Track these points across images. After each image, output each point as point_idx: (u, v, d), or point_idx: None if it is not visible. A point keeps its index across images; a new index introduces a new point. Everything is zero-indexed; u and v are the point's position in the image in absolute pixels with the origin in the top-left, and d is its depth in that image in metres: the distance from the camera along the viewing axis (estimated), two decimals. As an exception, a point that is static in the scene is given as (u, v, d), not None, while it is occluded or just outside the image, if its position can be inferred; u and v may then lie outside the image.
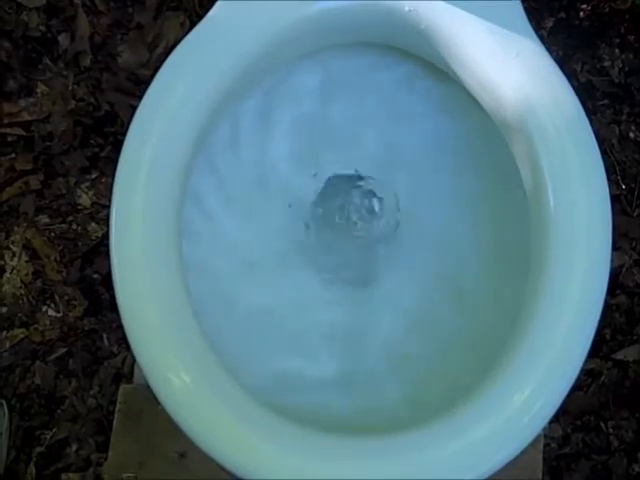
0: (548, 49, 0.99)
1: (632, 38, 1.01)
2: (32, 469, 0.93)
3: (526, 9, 0.97)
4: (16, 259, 0.98)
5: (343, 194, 0.69)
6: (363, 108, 0.73)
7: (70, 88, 1.02)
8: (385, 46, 0.70)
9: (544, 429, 0.86)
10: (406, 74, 0.73)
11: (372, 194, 0.68)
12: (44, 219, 0.99)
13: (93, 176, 1.00)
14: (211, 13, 0.62)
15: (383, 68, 0.73)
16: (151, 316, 0.56)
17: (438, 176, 0.73)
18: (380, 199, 0.68)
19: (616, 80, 1.00)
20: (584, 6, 1.01)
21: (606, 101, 1.00)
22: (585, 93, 1.00)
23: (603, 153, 0.96)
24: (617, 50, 1.01)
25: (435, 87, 0.72)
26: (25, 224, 0.99)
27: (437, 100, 0.73)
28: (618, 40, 1.01)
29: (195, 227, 0.70)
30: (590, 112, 0.99)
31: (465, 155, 0.72)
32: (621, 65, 1.01)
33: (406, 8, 0.61)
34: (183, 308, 0.57)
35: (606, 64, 1.01)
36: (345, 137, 0.73)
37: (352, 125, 0.73)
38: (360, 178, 0.69)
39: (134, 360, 0.93)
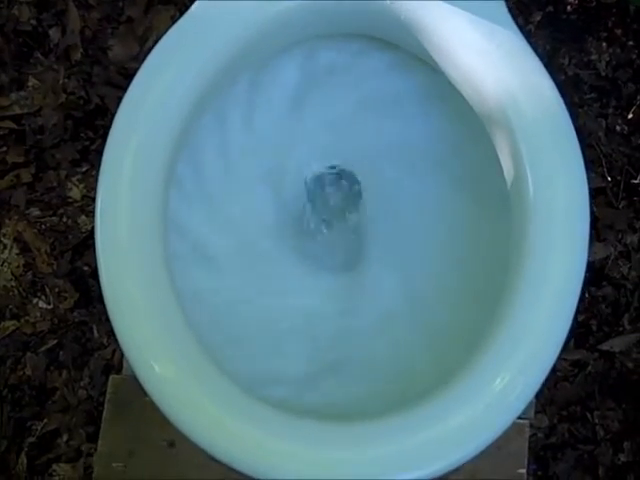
0: (536, 43, 1.01)
1: (619, 32, 1.02)
2: (23, 459, 0.93)
3: (513, 3, 1.00)
4: (7, 251, 0.99)
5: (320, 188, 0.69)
6: (347, 98, 0.74)
7: (61, 82, 1.02)
8: (368, 36, 0.70)
9: (530, 419, 0.86)
10: (390, 63, 0.73)
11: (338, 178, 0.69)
12: (35, 212, 1.00)
13: (84, 169, 1.00)
14: (193, 7, 0.62)
15: (367, 57, 0.73)
16: (136, 305, 0.57)
17: (422, 165, 0.73)
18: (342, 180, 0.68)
19: (603, 74, 1.01)
20: (572, 0, 1.02)
21: (593, 95, 1.01)
22: (572, 87, 1.00)
23: (589, 146, 0.98)
24: (604, 44, 1.02)
25: (420, 76, 0.73)
26: (16, 217, 0.99)
27: (421, 89, 0.74)
28: (605, 34, 1.02)
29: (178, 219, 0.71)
30: (577, 105, 0.99)
31: (450, 144, 0.73)
32: (608, 59, 1.01)
33: (387, 1, 0.62)
34: (168, 298, 0.58)
35: (593, 58, 1.02)
36: (329, 127, 0.74)
37: (335, 116, 0.74)
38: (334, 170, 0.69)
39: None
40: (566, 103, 0.60)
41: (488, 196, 0.69)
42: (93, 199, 0.98)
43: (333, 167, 0.68)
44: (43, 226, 0.99)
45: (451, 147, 0.73)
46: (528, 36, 0.98)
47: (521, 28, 0.96)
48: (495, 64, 0.60)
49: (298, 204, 0.71)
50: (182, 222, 0.71)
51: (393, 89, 0.73)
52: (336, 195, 0.67)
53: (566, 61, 1.01)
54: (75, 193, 1.00)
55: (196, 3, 0.62)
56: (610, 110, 1.00)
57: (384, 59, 0.72)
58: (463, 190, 0.72)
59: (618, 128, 1.00)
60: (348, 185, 0.67)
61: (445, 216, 0.73)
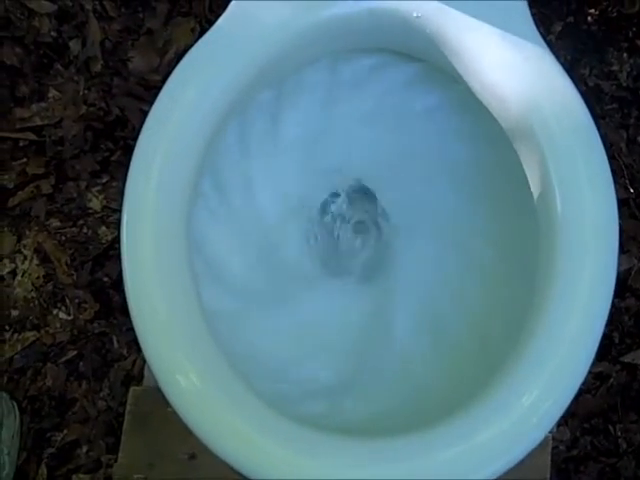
0: (556, 54, 0.99)
1: (640, 42, 1.01)
2: (43, 470, 0.93)
3: (535, 14, 0.99)
4: (27, 262, 0.99)
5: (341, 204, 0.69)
6: (369, 111, 0.74)
7: (81, 93, 1.02)
8: (391, 50, 0.70)
9: (552, 431, 0.86)
10: (413, 77, 0.73)
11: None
12: (55, 223, 1.00)
13: (104, 180, 1.01)
14: (221, 20, 0.62)
15: (391, 70, 0.73)
16: (161, 318, 0.57)
17: (442, 177, 0.73)
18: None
19: (624, 84, 1.00)
20: (592, 11, 1.02)
21: (614, 105, 1.00)
22: (593, 97, 1.00)
23: (611, 157, 0.98)
24: (625, 54, 1.01)
25: (443, 90, 0.73)
26: (36, 228, 1.00)
27: (445, 100, 0.73)
28: (626, 44, 1.01)
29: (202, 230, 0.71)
30: (598, 116, 0.99)
31: (472, 157, 0.73)
32: (629, 69, 1.01)
33: (414, 14, 0.62)
34: (193, 310, 0.58)
35: (614, 68, 1.01)
36: (354, 141, 0.74)
37: (357, 128, 0.74)
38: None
39: (144, 362, 0.93)
40: (587, 114, 0.60)
41: (506, 209, 0.69)
42: (113, 210, 0.99)
43: (355, 183, 0.68)
44: (63, 237, 1.00)
45: (471, 163, 0.72)
46: (549, 47, 0.99)
47: (542, 38, 0.98)
48: (522, 77, 0.59)
49: (318, 214, 0.71)
50: (203, 239, 0.70)
51: (417, 103, 0.73)
52: (357, 210, 0.67)
53: (587, 72, 1.01)
54: (95, 204, 1.00)
55: (224, 15, 0.62)
56: (632, 121, 1.00)
57: (408, 72, 0.72)
58: (492, 199, 0.72)
59: (640, 139, 0.99)
60: (368, 201, 0.67)
61: (463, 229, 0.73)
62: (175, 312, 0.57)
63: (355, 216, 0.73)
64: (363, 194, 0.73)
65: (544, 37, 0.98)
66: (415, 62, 0.71)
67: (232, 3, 0.63)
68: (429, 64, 0.70)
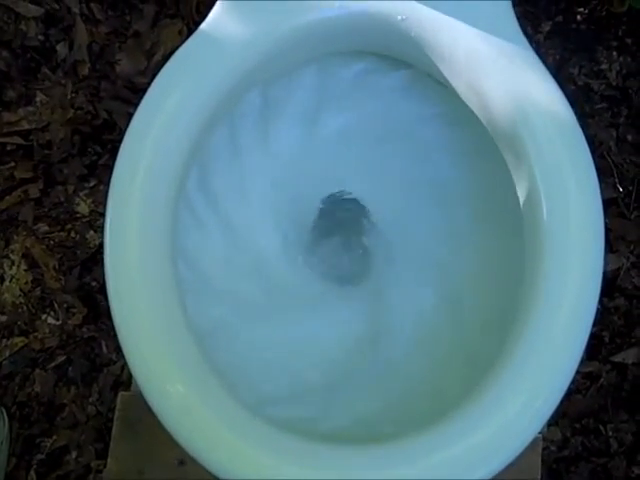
0: (545, 53, 1.00)
1: (630, 41, 1.01)
2: (33, 477, 0.93)
3: (523, 13, 0.99)
4: (15, 267, 0.99)
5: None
6: (358, 115, 0.74)
7: (69, 97, 1.02)
8: (378, 55, 0.70)
9: (542, 432, 0.86)
10: (403, 80, 0.73)
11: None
12: (43, 227, 1.00)
13: (91, 184, 1.00)
14: (204, 24, 0.62)
15: (380, 74, 0.73)
16: (145, 327, 0.56)
17: (433, 184, 0.73)
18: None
19: (614, 83, 1.00)
20: (581, 10, 1.01)
21: (604, 104, 1.00)
22: (583, 96, 1.00)
23: (600, 156, 0.98)
24: (615, 53, 1.01)
25: (432, 94, 0.73)
26: (24, 233, 0.99)
27: (434, 107, 0.73)
28: (616, 43, 1.01)
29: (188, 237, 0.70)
30: (588, 115, 0.99)
31: (463, 162, 0.73)
32: (619, 68, 1.01)
33: (398, 17, 0.62)
34: (177, 319, 0.57)
35: (604, 67, 1.01)
36: (340, 145, 0.74)
37: (346, 133, 0.74)
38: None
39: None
40: (576, 113, 0.59)
41: (493, 218, 0.69)
42: (101, 214, 0.99)
43: (340, 192, 0.68)
44: (51, 242, 0.99)
45: (463, 169, 0.72)
46: (537, 46, 0.99)
47: (530, 38, 0.97)
48: (505, 80, 0.59)
49: (309, 223, 0.71)
50: (190, 247, 0.70)
51: (406, 110, 0.73)
52: (343, 218, 0.67)
53: (576, 71, 1.00)
54: (83, 208, 1.00)
55: (207, 19, 0.62)
56: (621, 120, 0.99)
57: (398, 78, 0.72)
58: (468, 206, 0.72)
59: (629, 138, 0.99)
60: (354, 209, 0.67)
61: (448, 236, 0.73)
62: (159, 322, 0.57)
63: (341, 224, 0.73)
64: (350, 200, 0.73)
65: (532, 37, 0.99)
66: (402, 69, 0.71)
67: (217, 4, 0.63)
68: (416, 70, 0.69)
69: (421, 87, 0.72)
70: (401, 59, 0.68)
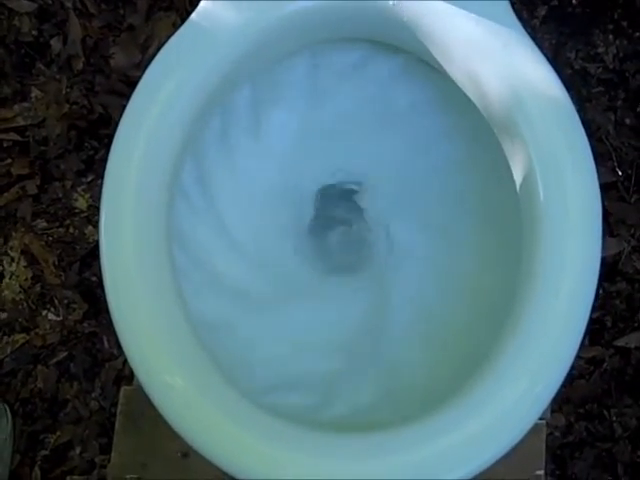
0: (541, 38, 1.00)
1: (625, 24, 1.00)
2: (37, 473, 0.93)
3: (518, -1, 0.99)
4: (15, 264, 0.99)
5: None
6: (353, 104, 0.73)
7: (64, 92, 1.02)
8: (372, 41, 0.69)
9: (546, 418, 0.85)
10: (397, 68, 0.72)
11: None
12: (41, 223, 0.99)
13: (89, 179, 1.00)
14: (195, 13, 0.62)
15: (374, 62, 0.73)
16: (143, 319, 0.56)
17: (429, 171, 0.72)
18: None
19: (611, 66, 1.00)
20: (576, -7, 1.01)
21: (601, 88, 0.99)
22: (580, 80, 0.99)
23: (599, 140, 0.97)
24: (611, 36, 1.01)
25: (427, 81, 0.72)
26: (23, 229, 0.99)
27: (429, 94, 0.73)
28: (612, 26, 1.01)
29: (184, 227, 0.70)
30: (585, 99, 0.98)
31: (460, 150, 0.72)
32: (615, 51, 1.00)
33: (390, 2, 0.61)
34: (176, 312, 0.57)
35: (600, 50, 1.00)
36: (336, 134, 0.73)
37: (342, 122, 0.73)
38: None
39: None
40: (573, 97, 0.59)
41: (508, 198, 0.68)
42: (99, 209, 0.98)
43: (339, 178, 0.68)
44: (50, 238, 0.99)
45: (459, 159, 0.72)
46: (533, 31, 0.98)
47: (526, 23, 0.97)
48: (500, 64, 0.59)
49: (307, 212, 0.71)
50: (188, 236, 0.70)
51: (401, 97, 0.73)
52: (342, 205, 0.67)
53: (572, 55, 1.00)
54: (81, 203, 1.00)
55: (197, 10, 0.62)
56: (619, 103, 0.99)
57: (393, 65, 0.72)
58: (481, 194, 0.72)
59: (627, 121, 0.98)
60: (354, 196, 0.67)
61: (450, 221, 0.73)
62: (157, 313, 0.56)
63: (341, 211, 0.73)
64: (346, 189, 0.73)
65: (528, 22, 0.99)
66: (396, 56, 0.71)
67: (205, -4, 0.62)
68: (411, 57, 0.69)
69: (416, 74, 0.72)
70: (395, 45, 0.68)
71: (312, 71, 0.72)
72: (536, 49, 0.59)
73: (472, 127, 0.69)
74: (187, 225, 0.70)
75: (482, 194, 0.71)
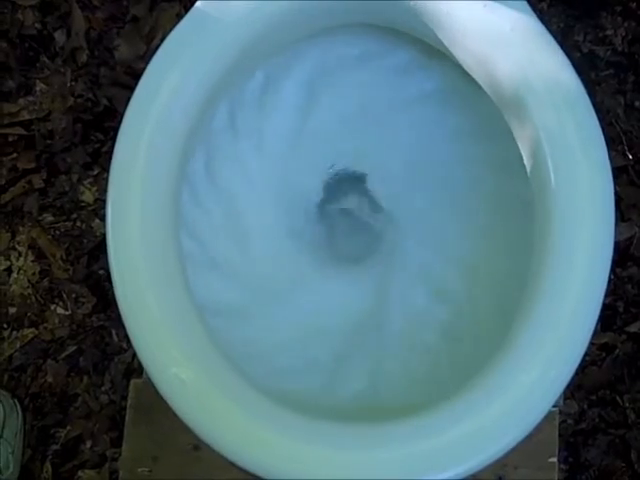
0: (549, 21, 0.99)
1: (634, 5, 0.99)
2: (48, 467, 0.93)
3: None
4: (22, 259, 0.98)
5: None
6: (357, 97, 0.73)
7: (68, 85, 1.01)
8: (379, 30, 0.69)
9: (559, 405, 0.85)
10: (403, 62, 0.72)
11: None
12: (48, 217, 0.99)
13: (95, 172, 1.00)
14: (198, 2, 0.61)
15: (378, 56, 0.72)
16: (151, 312, 0.56)
17: (434, 165, 0.72)
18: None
19: (619, 49, 0.99)
20: (584, -25, 1.00)
21: (610, 71, 0.98)
22: (588, 63, 0.98)
23: (609, 124, 0.96)
24: (619, 18, 0.99)
25: (433, 74, 0.72)
26: (30, 223, 0.99)
27: (435, 88, 0.72)
28: (620, 8, 0.99)
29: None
30: (594, 82, 0.97)
31: (465, 143, 0.72)
32: (624, 33, 0.99)
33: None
34: (184, 303, 0.57)
35: (609, 33, 0.99)
36: (341, 126, 0.73)
37: (347, 115, 0.73)
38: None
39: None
40: (583, 81, 0.58)
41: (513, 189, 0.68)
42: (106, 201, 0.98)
43: (344, 169, 0.67)
44: (57, 232, 0.99)
45: (466, 149, 0.72)
46: (541, 14, 0.97)
47: (534, 6, 0.95)
48: (509, 48, 0.58)
49: (312, 203, 0.70)
50: (194, 226, 0.70)
51: (411, 89, 0.72)
52: (347, 195, 0.67)
53: (581, 38, 0.99)
54: (88, 197, 0.99)
55: (199, 1, 0.61)
56: (628, 86, 0.98)
57: (399, 58, 0.72)
58: (484, 187, 0.71)
59: (637, 104, 0.97)
60: (359, 186, 0.67)
61: (461, 214, 0.72)
62: (165, 304, 0.56)
63: (346, 201, 0.72)
64: (353, 179, 0.73)
65: (536, 5, 0.98)
66: (402, 50, 0.70)
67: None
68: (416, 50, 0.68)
69: (422, 67, 0.71)
70: (400, 29, 0.67)
71: (318, 60, 0.71)
72: (546, 31, 0.58)
73: (478, 121, 0.69)
74: (197, 216, 0.70)
75: (494, 183, 0.70)
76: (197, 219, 0.70)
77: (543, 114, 0.56)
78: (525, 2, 0.59)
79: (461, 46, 0.61)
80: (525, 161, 0.59)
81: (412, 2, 0.60)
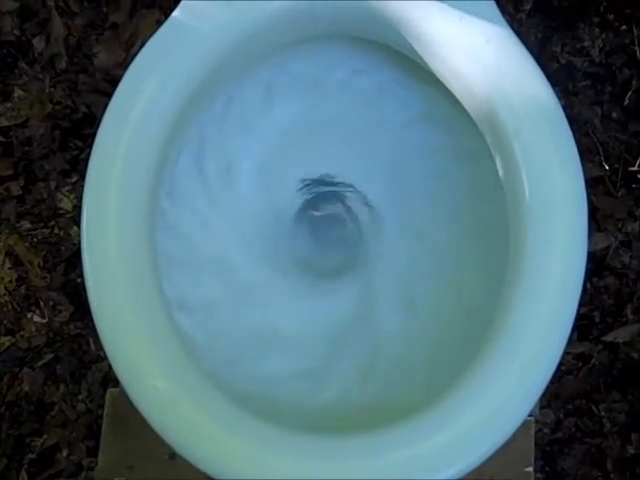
0: (527, 32, 0.99)
1: (612, 17, 1.00)
2: (24, 476, 0.93)
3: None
4: (-1, 266, 0.98)
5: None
6: (337, 115, 0.73)
7: (47, 91, 1.01)
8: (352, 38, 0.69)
9: (535, 414, 0.85)
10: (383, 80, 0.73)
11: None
12: (26, 225, 0.99)
13: (74, 179, 0.99)
14: (177, 10, 0.61)
15: (363, 74, 0.73)
16: (126, 321, 0.56)
17: (417, 179, 0.73)
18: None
19: (597, 60, 0.99)
20: (562, -14, 1.01)
21: (587, 82, 0.99)
22: (566, 74, 0.99)
23: (585, 134, 0.97)
24: (597, 29, 1.00)
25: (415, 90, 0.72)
26: (7, 231, 0.98)
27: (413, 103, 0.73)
28: (598, 19, 1.00)
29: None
30: (571, 94, 0.98)
31: (446, 158, 0.72)
32: (601, 45, 1.00)
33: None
34: (158, 311, 0.57)
35: (586, 44, 1.00)
36: (312, 136, 0.73)
37: (332, 127, 0.73)
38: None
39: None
40: (560, 91, 0.59)
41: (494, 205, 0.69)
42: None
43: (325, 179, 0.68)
44: (35, 239, 0.98)
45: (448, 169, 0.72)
46: (519, 25, 0.98)
47: (512, 17, 0.96)
48: (485, 61, 0.58)
49: (295, 209, 0.71)
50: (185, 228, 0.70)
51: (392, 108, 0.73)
52: (329, 205, 0.67)
53: (558, 49, 0.99)
54: (66, 204, 0.99)
55: (179, 6, 0.61)
56: (605, 97, 0.98)
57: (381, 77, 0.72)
58: (466, 200, 0.72)
59: (614, 115, 0.98)
60: (341, 195, 0.67)
61: (444, 229, 0.73)
62: (140, 314, 0.56)
63: (328, 211, 0.73)
64: (335, 189, 0.73)
65: (514, 16, 0.98)
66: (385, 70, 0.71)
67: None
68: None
69: (404, 88, 0.72)
70: (375, 40, 0.67)
71: (291, 73, 0.72)
72: (520, 44, 0.59)
73: (461, 140, 0.70)
74: (182, 219, 0.70)
75: (471, 202, 0.71)
76: (184, 222, 0.71)
77: (517, 126, 0.57)
78: (500, 15, 0.60)
79: (435, 57, 0.62)
80: (500, 175, 0.60)
81: (391, 16, 0.61)
